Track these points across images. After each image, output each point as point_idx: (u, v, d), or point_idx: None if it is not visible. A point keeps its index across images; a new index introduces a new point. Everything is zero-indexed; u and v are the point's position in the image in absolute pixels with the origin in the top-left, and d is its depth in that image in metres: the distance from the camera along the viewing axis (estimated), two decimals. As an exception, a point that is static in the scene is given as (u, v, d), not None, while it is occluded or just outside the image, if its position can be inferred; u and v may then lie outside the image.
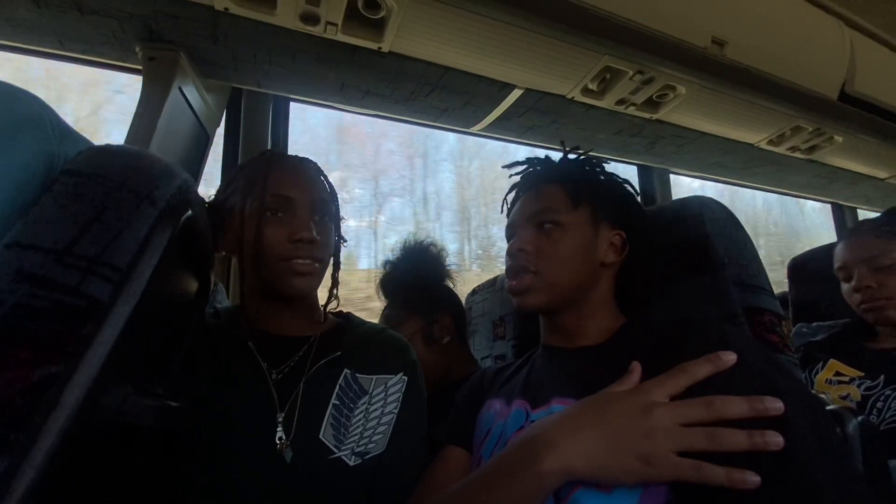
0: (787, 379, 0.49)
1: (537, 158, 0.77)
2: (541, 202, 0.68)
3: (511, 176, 0.79)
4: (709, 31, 1.13)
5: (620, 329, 0.64)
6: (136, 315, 0.35)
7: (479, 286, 1.34)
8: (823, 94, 1.35)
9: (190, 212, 0.40)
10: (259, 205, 0.66)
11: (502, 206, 0.80)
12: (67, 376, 0.30)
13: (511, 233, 0.72)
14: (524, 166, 0.78)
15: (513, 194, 0.78)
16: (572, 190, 0.68)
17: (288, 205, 0.68)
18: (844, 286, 1.06)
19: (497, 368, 0.79)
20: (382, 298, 1.10)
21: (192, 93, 0.97)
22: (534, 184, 0.73)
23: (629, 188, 0.74)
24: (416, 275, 1.07)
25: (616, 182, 0.73)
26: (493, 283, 1.27)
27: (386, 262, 1.11)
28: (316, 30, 0.89)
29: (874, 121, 1.48)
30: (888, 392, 0.93)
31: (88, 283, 0.31)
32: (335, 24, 0.88)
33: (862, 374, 1.00)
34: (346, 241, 0.80)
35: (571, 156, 0.75)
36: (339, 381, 0.67)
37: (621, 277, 0.69)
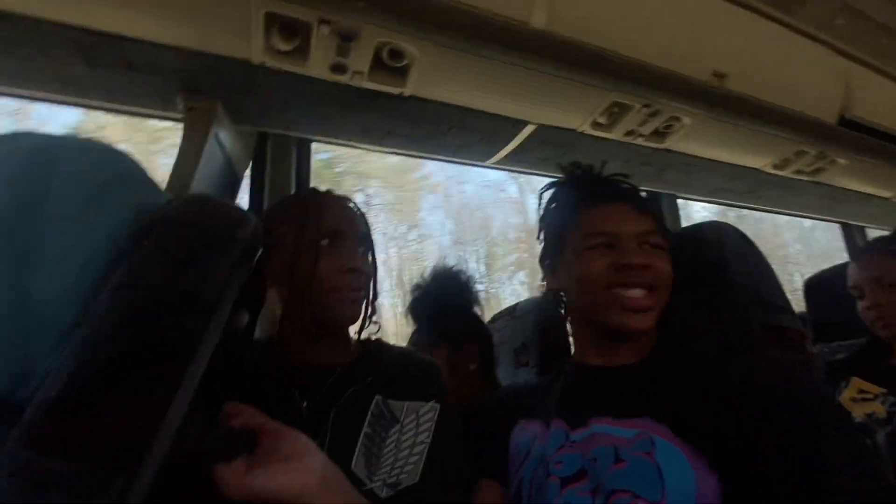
0: (816, 398, 0.52)
1: (625, 178, 0.77)
2: (647, 222, 0.68)
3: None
4: (709, 65, 1.19)
5: (654, 348, 0.66)
6: (216, 347, 0.38)
7: (498, 313, 1.35)
8: (823, 120, 1.40)
9: (261, 251, 0.44)
10: (315, 237, 0.71)
11: (540, 199, 0.81)
12: (164, 409, 0.31)
13: (610, 241, 0.67)
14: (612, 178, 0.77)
15: (549, 191, 0.79)
16: (660, 220, 0.70)
17: (340, 237, 0.73)
18: (860, 304, 1.08)
19: (521, 389, 0.79)
20: (412, 323, 1.13)
21: (226, 139, 1.04)
22: (629, 200, 0.71)
23: None
24: (445, 302, 1.09)
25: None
26: (512, 310, 1.28)
27: (416, 287, 1.14)
28: (343, 78, 0.96)
29: (874, 143, 1.52)
30: (913, 408, 0.93)
31: (187, 317, 0.35)
32: (361, 73, 0.95)
33: (885, 390, 1.00)
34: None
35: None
36: (371, 409, 0.67)
37: None
